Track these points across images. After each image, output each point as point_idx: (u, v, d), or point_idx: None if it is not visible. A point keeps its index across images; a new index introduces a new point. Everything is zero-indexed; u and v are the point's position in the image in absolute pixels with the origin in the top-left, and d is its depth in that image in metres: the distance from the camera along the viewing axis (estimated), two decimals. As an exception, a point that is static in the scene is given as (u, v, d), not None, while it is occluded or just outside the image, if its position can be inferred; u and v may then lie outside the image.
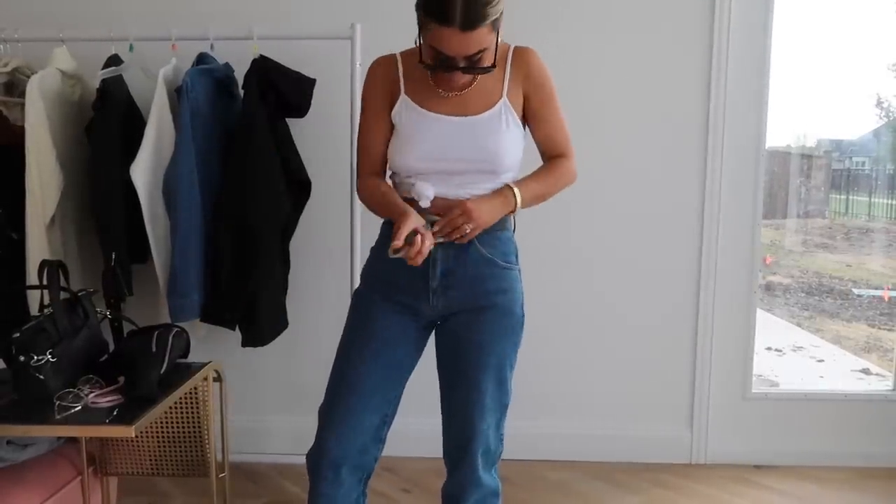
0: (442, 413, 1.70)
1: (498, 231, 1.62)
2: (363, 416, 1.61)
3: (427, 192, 1.55)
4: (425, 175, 1.57)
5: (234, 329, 2.43)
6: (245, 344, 2.43)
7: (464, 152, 1.56)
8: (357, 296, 1.71)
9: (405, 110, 1.60)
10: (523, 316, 1.67)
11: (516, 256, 1.66)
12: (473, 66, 1.48)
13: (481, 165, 1.56)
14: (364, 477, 1.67)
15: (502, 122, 1.57)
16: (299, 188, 2.44)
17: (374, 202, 1.64)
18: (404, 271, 1.53)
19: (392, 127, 1.64)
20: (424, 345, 1.70)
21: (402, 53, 1.64)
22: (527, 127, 1.67)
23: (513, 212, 1.59)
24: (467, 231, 1.52)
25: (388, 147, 1.65)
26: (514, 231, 1.68)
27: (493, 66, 1.50)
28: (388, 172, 1.69)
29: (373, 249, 1.72)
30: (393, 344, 1.63)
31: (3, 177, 2.29)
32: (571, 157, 1.69)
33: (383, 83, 1.63)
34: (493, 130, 1.56)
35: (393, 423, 1.70)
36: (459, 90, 1.58)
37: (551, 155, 1.68)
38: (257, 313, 2.39)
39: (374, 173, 1.67)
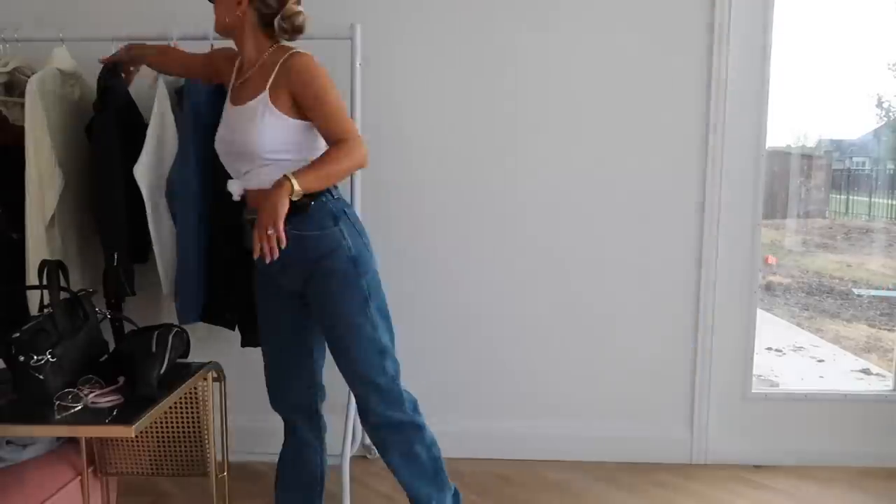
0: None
1: (307, 206, 1.74)
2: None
3: (233, 188, 1.82)
4: (230, 167, 1.84)
5: (234, 329, 2.43)
6: (245, 344, 2.43)
7: (229, 135, 1.80)
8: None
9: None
10: (355, 265, 1.79)
11: (335, 218, 1.79)
12: None
13: (240, 149, 1.77)
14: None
15: (258, 110, 1.74)
16: (299, 188, 2.44)
17: None
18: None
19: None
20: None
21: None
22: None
23: (291, 193, 1.64)
24: (272, 231, 1.62)
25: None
26: (334, 196, 1.81)
27: None
28: None
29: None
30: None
31: (4, 177, 2.28)
32: (350, 141, 1.74)
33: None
34: (248, 117, 1.75)
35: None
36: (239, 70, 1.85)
37: (331, 142, 1.77)
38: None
39: None
